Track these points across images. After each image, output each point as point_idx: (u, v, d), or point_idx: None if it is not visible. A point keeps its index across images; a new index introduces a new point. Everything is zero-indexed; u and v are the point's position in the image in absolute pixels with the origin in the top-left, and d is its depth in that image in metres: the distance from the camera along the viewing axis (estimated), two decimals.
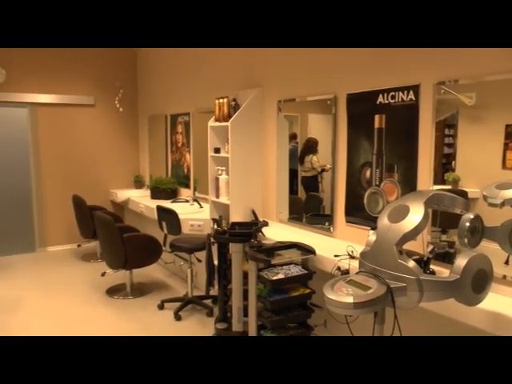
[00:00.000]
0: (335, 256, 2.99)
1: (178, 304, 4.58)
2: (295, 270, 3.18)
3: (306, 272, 3.17)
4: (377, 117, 3.11)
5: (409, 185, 2.91)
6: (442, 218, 2.70)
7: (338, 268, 2.88)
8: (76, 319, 4.47)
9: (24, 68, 6.55)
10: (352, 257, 2.93)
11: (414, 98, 2.84)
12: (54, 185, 6.92)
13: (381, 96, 3.06)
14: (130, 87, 7.36)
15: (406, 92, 2.89)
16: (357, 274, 2.24)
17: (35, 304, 4.89)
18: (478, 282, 1.93)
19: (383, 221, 2.17)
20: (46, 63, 6.67)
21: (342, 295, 2.05)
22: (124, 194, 6.71)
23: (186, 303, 4.62)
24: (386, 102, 3.02)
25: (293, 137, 4.00)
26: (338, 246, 3.27)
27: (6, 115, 6.59)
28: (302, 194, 3.96)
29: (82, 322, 4.40)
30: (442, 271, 2.53)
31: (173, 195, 6.08)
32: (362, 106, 3.22)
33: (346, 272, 2.77)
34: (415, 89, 2.83)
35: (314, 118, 3.80)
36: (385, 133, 3.06)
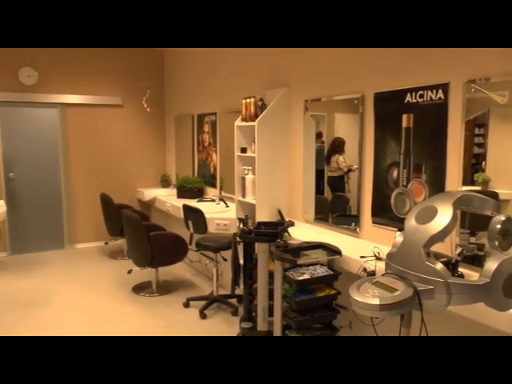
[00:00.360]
0: (361, 257, 2.96)
1: (203, 302, 4.60)
2: (321, 271, 3.16)
3: (332, 273, 3.15)
4: (404, 116, 3.06)
5: (437, 185, 2.86)
6: (471, 220, 2.65)
7: (364, 269, 2.85)
8: (104, 315, 4.54)
9: (54, 70, 6.69)
10: (378, 258, 2.89)
11: (442, 97, 2.79)
12: (82, 183, 7.05)
13: (409, 95, 3.02)
14: (157, 87, 7.43)
15: (434, 91, 2.85)
16: (383, 275, 2.21)
17: (65, 299, 5.00)
18: (510, 286, 1.89)
19: (410, 222, 2.14)
20: (76, 65, 6.80)
21: (368, 297, 2.03)
22: (151, 193, 6.79)
23: (212, 302, 4.64)
24: (414, 101, 2.98)
25: (318, 136, 3.98)
26: (364, 246, 3.23)
27: (37, 115, 6.74)
28: (328, 194, 3.93)
29: (109, 317, 4.47)
30: (471, 274, 2.48)
31: (199, 194, 6.11)
32: (389, 105, 3.18)
33: (372, 273, 2.74)
34: (444, 87, 2.78)
35: (341, 118, 3.77)
36: (412, 132, 3.02)
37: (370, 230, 3.43)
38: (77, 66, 6.82)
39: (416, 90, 2.96)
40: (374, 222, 3.38)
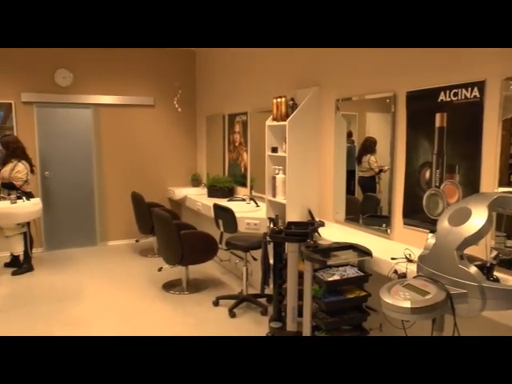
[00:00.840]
0: (392, 259, 2.91)
1: (232, 301, 4.62)
2: (351, 272, 3.12)
3: (362, 274, 3.11)
4: (438, 115, 3.00)
5: (471, 186, 2.79)
6: (507, 223, 2.57)
7: (395, 271, 2.80)
8: (134, 311, 4.61)
9: (88, 71, 6.84)
10: (409, 260, 2.84)
11: (478, 95, 2.72)
12: (114, 182, 7.18)
13: (442, 93, 2.95)
14: (189, 87, 7.49)
15: (469, 89, 2.77)
16: (415, 278, 2.17)
17: (96, 294, 5.10)
18: None
19: (443, 224, 2.10)
20: (109, 66, 6.94)
21: (398, 299, 2.00)
22: (181, 192, 6.85)
23: (241, 301, 4.65)
24: (448, 99, 2.91)
25: (348, 135, 3.94)
26: (395, 248, 3.18)
27: (72, 116, 6.89)
28: (358, 194, 3.89)
29: (139, 314, 4.53)
30: (508, 279, 2.40)
31: (229, 194, 6.13)
32: (422, 104, 3.12)
33: (404, 276, 2.69)
34: (480, 85, 2.71)
35: (372, 117, 3.72)
36: (446, 132, 2.95)
37: (401, 231, 3.38)
38: (110, 68, 6.95)
39: (450, 88, 2.90)
40: (405, 224, 3.33)
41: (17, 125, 6.51)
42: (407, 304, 1.95)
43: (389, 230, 3.48)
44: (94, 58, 6.82)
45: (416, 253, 2.64)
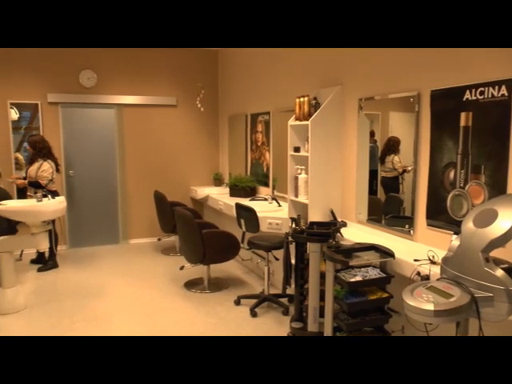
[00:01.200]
0: (415, 260, 2.87)
1: (254, 301, 4.62)
2: (373, 273, 3.09)
3: (385, 275, 3.08)
4: (463, 114, 2.95)
5: (497, 187, 2.73)
6: None
7: (418, 273, 2.77)
8: (156, 309, 4.64)
9: (112, 72, 6.94)
10: (433, 262, 2.79)
11: (506, 94, 2.66)
12: (137, 181, 7.26)
13: (468, 92, 2.90)
14: (211, 87, 7.53)
15: (496, 87, 2.71)
16: (438, 280, 2.14)
17: (119, 291, 5.17)
18: None
19: (468, 225, 2.06)
20: (132, 66, 7.02)
21: (421, 302, 1.97)
22: (204, 191, 6.88)
23: (263, 300, 4.65)
24: (474, 98, 2.86)
25: (370, 135, 3.90)
26: (418, 249, 3.14)
27: (96, 116, 6.99)
28: (381, 194, 3.85)
29: (161, 312, 4.57)
30: None
31: (252, 193, 6.14)
32: (447, 103, 3.07)
33: (427, 278, 2.66)
34: (508, 83, 2.64)
35: (396, 117, 3.68)
36: (471, 131, 2.90)
37: (424, 232, 3.33)
38: (133, 68, 7.03)
39: (476, 86, 2.84)
40: (428, 225, 3.28)
41: (43, 125, 6.63)
42: (430, 306, 1.92)
43: (412, 231, 3.44)
44: (117, 59, 6.91)
45: (439, 255, 2.61)
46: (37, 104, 6.57)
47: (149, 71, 7.12)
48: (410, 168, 3.43)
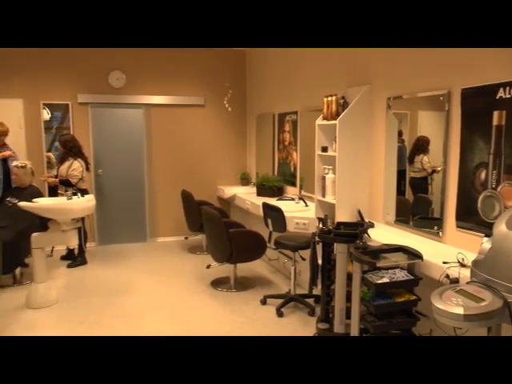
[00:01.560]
0: (444, 263, 2.81)
1: (280, 301, 4.61)
2: (401, 275, 3.04)
3: (412, 278, 3.02)
4: (496, 113, 2.87)
5: None
6: None
7: (447, 276, 2.71)
8: (182, 307, 4.68)
9: (141, 72, 7.03)
10: (463, 265, 2.73)
11: None
12: (164, 180, 7.34)
13: (501, 90, 2.81)
14: (239, 87, 7.54)
15: None
16: (468, 283, 2.09)
17: (146, 289, 5.23)
18: None
19: (501, 227, 2.01)
20: (160, 67, 7.10)
21: (451, 305, 1.93)
22: (231, 191, 6.90)
23: (289, 300, 4.63)
24: (508, 96, 2.78)
25: (398, 134, 3.84)
26: (447, 251, 3.07)
27: (124, 115, 7.09)
28: (409, 195, 3.78)
29: (188, 310, 4.60)
30: None
31: (279, 193, 6.12)
32: (478, 102, 2.99)
33: (456, 281, 2.60)
34: None
35: (425, 116, 3.61)
36: (505, 130, 2.82)
37: (453, 234, 3.26)
38: (161, 69, 7.11)
39: (510, 84, 2.76)
40: (458, 226, 3.21)
41: (73, 124, 6.76)
42: (460, 310, 1.88)
43: (441, 233, 3.37)
44: (146, 60, 6.99)
45: (469, 257, 2.55)
46: (67, 104, 6.71)
47: (177, 71, 7.18)
48: (439, 168, 3.37)
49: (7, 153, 5.63)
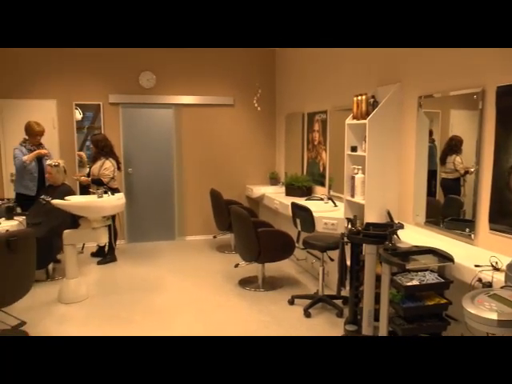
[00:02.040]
0: (476, 266, 2.74)
1: (308, 301, 4.58)
2: (430, 278, 2.98)
3: (443, 281, 2.96)
4: None
5: None
6: None
7: (479, 280, 2.64)
8: (210, 305, 4.71)
9: (171, 73, 7.11)
10: (496, 269, 2.65)
11: None
12: (193, 179, 7.39)
13: None
14: (268, 86, 7.54)
15: None
16: (502, 288, 2.04)
17: (174, 287, 5.29)
18: None
19: None
20: (190, 67, 7.16)
21: (483, 310, 1.89)
22: (259, 190, 6.90)
23: (317, 301, 4.60)
24: None
25: (429, 134, 3.77)
26: (479, 254, 3.00)
27: (154, 115, 7.18)
28: (439, 196, 3.71)
29: (215, 308, 4.63)
30: None
31: (307, 193, 6.10)
32: None
33: (489, 285, 2.53)
34: None
35: (457, 115, 3.53)
36: None
37: (486, 237, 3.18)
38: (191, 69, 7.17)
39: None
40: (491, 229, 3.12)
41: (104, 124, 6.88)
42: (493, 315, 1.83)
43: (473, 236, 3.29)
44: (175, 60, 7.07)
45: (504, 261, 2.48)
46: (99, 104, 6.83)
47: (206, 71, 7.23)
48: (472, 169, 3.28)
49: (44, 151, 5.77)
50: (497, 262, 2.66)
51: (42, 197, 5.32)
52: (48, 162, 5.53)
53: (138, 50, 6.82)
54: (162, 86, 7.07)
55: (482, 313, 1.87)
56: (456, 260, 2.90)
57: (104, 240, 5.06)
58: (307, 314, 4.43)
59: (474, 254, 3.03)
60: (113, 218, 5.83)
